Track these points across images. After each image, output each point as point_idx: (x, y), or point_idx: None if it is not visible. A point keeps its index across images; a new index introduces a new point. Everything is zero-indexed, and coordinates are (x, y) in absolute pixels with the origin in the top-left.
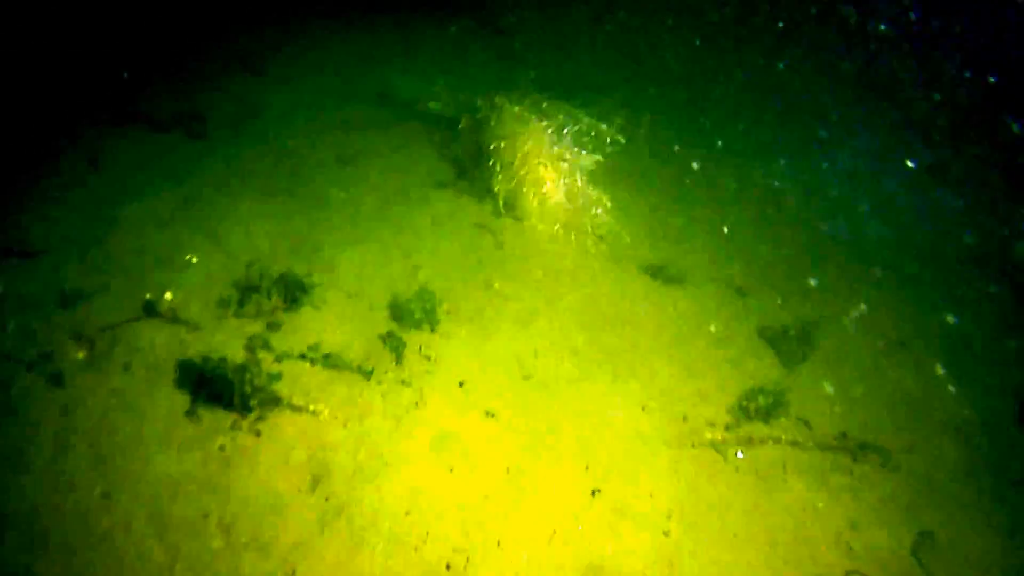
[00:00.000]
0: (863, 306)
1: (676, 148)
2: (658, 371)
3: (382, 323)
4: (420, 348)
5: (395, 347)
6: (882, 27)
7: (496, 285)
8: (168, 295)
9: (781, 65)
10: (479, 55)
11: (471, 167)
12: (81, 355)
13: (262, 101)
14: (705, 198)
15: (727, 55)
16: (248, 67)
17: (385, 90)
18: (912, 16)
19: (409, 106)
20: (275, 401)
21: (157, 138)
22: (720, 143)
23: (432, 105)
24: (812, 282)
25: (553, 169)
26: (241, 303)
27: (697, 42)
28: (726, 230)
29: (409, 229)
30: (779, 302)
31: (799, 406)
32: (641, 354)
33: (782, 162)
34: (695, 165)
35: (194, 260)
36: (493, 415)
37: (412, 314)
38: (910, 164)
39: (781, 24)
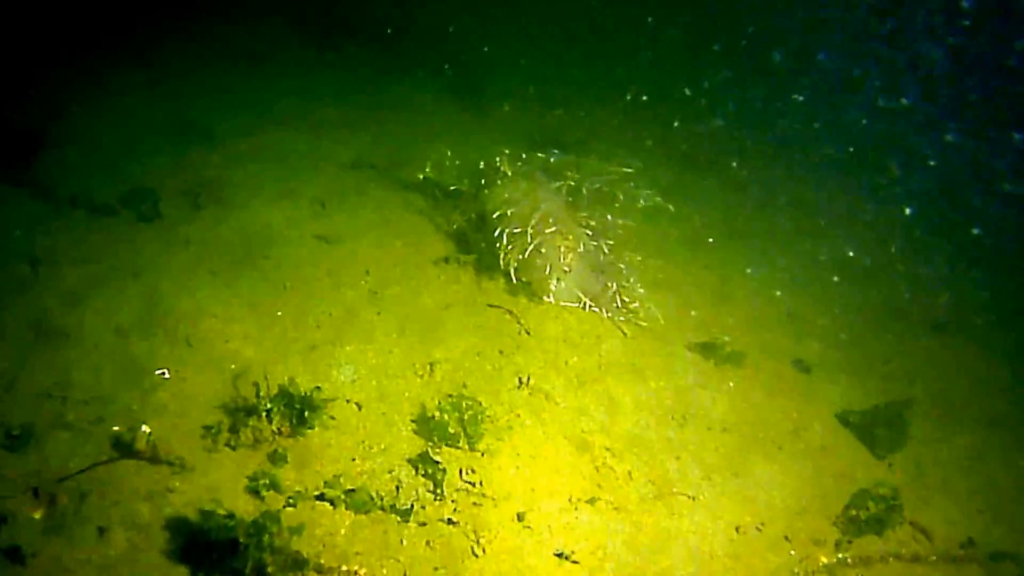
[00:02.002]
0: (954, 380)
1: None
2: (741, 478)
3: (409, 441)
4: (461, 473)
5: (431, 473)
6: None
7: (531, 381)
8: (145, 428)
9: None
10: (458, 115)
11: (474, 239)
12: (38, 515)
13: (221, 172)
14: (748, 260)
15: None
16: (198, 132)
17: (359, 156)
18: None
19: (388, 172)
20: (299, 565)
21: (102, 224)
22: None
23: (425, 171)
24: (886, 353)
25: (572, 237)
26: (234, 429)
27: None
28: (778, 294)
29: (415, 317)
30: (853, 379)
31: (910, 508)
32: (717, 459)
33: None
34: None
35: (166, 375)
36: (568, 557)
37: (444, 427)
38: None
39: None
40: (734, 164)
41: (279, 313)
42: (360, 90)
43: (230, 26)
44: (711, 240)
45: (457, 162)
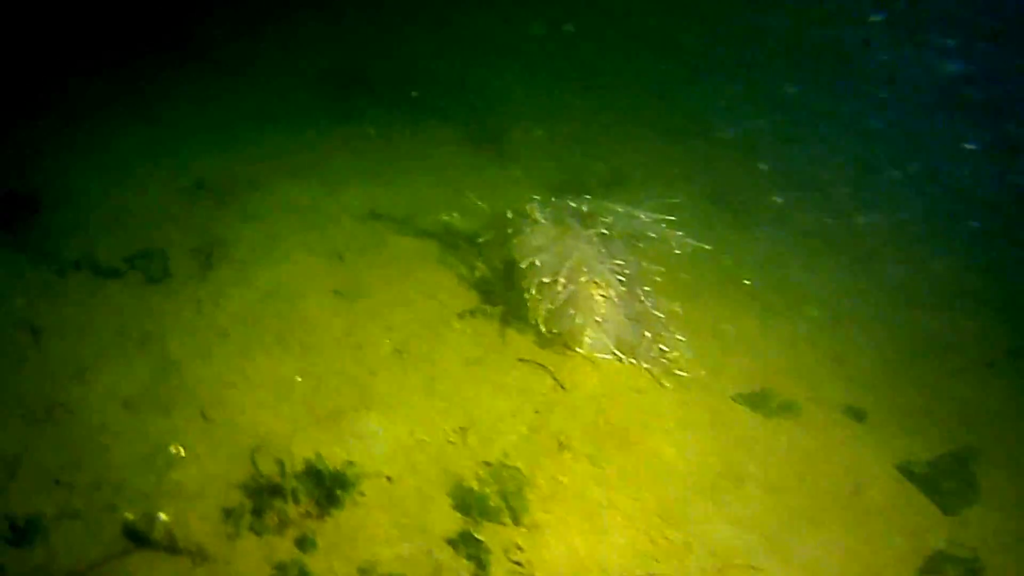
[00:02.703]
0: (1017, 423)
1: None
2: (807, 544)
3: (447, 518)
4: (507, 553)
5: (474, 555)
6: None
7: (573, 443)
8: (162, 516)
9: None
10: (477, 163)
11: (500, 289)
12: None
13: (232, 228)
14: (787, 302)
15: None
16: (208, 188)
17: (376, 207)
18: None
19: (407, 222)
20: None
21: (108, 288)
22: None
23: (446, 217)
24: (942, 394)
25: (606, 284)
26: (258, 512)
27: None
28: (822, 334)
29: (442, 376)
30: (909, 424)
31: (993, 572)
32: (778, 524)
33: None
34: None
35: (181, 452)
36: None
37: (484, 501)
38: None
39: None
40: (775, 199)
41: (298, 378)
42: (375, 142)
43: (240, 82)
44: (747, 281)
45: (480, 208)
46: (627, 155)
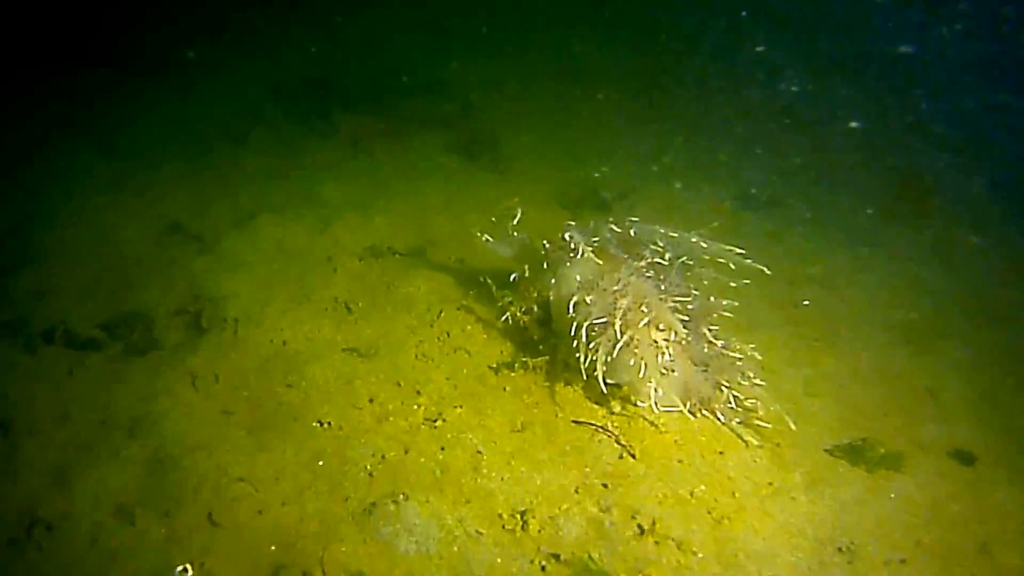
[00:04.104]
0: None
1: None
2: None
3: None
4: None
5: None
6: None
7: (655, 525)
8: None
9: None
10: (475, 177)
11: (540, 336)
12: None
13: (220, 280)
14: (852, 324)
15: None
16: (185, 233)
17: (377, 241)
18: None
19: (415, 257)
20: None
21: (86, 363)
22: None
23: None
24: None
25: (668, 326)
26: None
27: None
28: (905, 362)
29: (488, 447)
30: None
31: None
32: None
33: None
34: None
35: (188, 572)
36: None
37: None
38: None
39: None
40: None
41: (320, 463)
42: (360, 161)
43: (200, 102)
44: (806, 302)
45: (508, 230)
46: (641, 161)
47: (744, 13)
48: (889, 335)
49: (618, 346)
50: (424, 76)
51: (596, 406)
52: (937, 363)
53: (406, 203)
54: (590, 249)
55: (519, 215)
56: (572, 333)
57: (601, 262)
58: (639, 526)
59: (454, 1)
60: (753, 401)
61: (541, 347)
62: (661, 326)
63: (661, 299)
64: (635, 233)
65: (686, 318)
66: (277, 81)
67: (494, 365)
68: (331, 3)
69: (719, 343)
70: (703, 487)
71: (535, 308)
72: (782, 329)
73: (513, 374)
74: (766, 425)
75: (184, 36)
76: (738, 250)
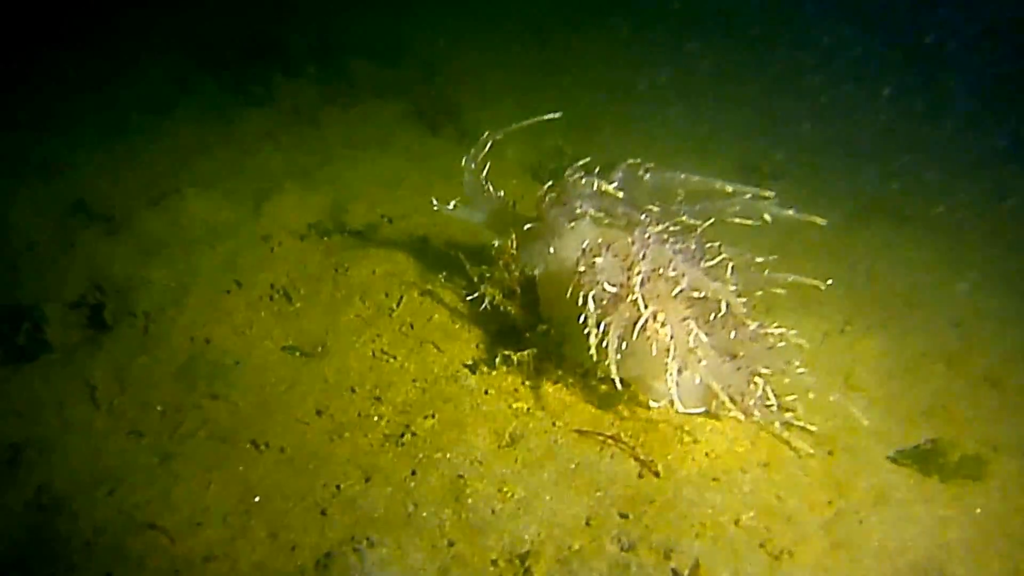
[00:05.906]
0: None
1: None
2: None
3: None
4: None
5: None
6: None
7: (697, 568)
8: None
9: None
10: (435, 146)
11: (526, 321)
12: None
13: (131, 267)
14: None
15: None
16: (92, 213)
17: (321, 218)
18: None
19: (368, 236)
20: None
21: None
22: None
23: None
24: None
25: (693, 305)
26: None
27: None
28: (961, 346)
29: (471, 471)
30: None
31: None
32: None
33: None
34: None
35: None
36: None
37: None
38: None
39: None
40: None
41: (256, 499)
42: (303, 129)
43: (116, 67)
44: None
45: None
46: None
47: None
48: (940, 316)
49: (639, 324)
50: (379, 36)
51: (604, 412)
52: (996, 343)
53: (356, 174)
54: (591, 211)
55: (488, 164)
56: (570, 316)
57: (605, 224)
58: (673, 570)
59: None
60: (791, 396)
61: (528, 335)
62: (683, 305)
63: (685, 271)
64: (650, 180)
65: (722, 301)
66: (209, 42)
67: (470, 362)
68: None
69: (754, 325)
70: (752, 513)
71: (517, 289)
72: (830, 306)
73: (495, 372)
74: (810, 428)
75: None
76: (767, 193)
